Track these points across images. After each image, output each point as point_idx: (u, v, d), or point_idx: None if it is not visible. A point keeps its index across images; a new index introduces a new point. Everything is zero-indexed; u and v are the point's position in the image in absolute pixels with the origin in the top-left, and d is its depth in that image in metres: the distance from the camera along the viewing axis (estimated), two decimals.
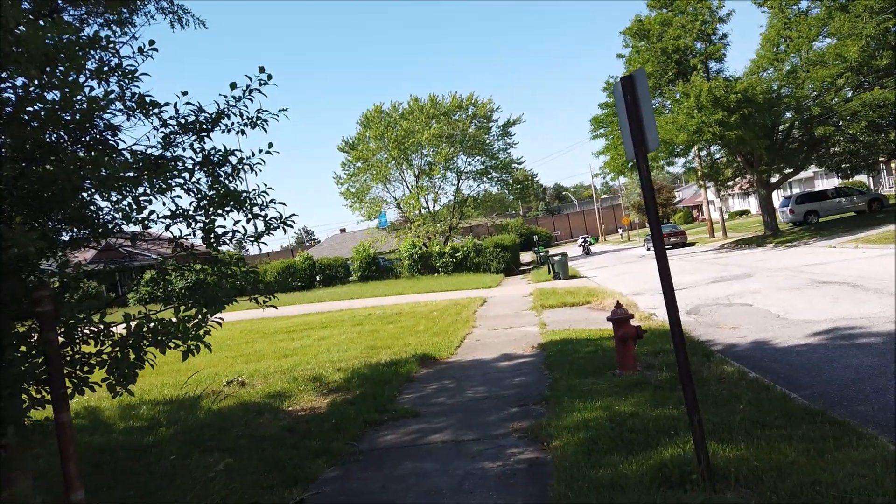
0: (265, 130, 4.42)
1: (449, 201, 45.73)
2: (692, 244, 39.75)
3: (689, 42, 27.91)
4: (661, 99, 30.00)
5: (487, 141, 44.24)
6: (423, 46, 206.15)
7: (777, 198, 37.03)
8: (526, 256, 53.55)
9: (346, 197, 44.81)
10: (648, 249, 42.39)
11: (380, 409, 7.30)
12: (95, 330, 3.68)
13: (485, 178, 45.31)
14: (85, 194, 3.73)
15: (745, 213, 66.69)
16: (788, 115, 28.60)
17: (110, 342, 3.66)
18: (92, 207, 3.89)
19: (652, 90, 28.58)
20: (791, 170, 31.41)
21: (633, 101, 4.08)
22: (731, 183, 37.63)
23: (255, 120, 4.36)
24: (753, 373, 7.05)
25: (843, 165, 33.26)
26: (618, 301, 8.29)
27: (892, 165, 40.36)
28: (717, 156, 33.85)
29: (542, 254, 41.22)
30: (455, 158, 43.75)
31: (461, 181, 45.02)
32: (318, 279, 39.11)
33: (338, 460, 5.77)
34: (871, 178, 45.46)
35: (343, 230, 73.76)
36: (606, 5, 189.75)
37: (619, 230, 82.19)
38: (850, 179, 42.31)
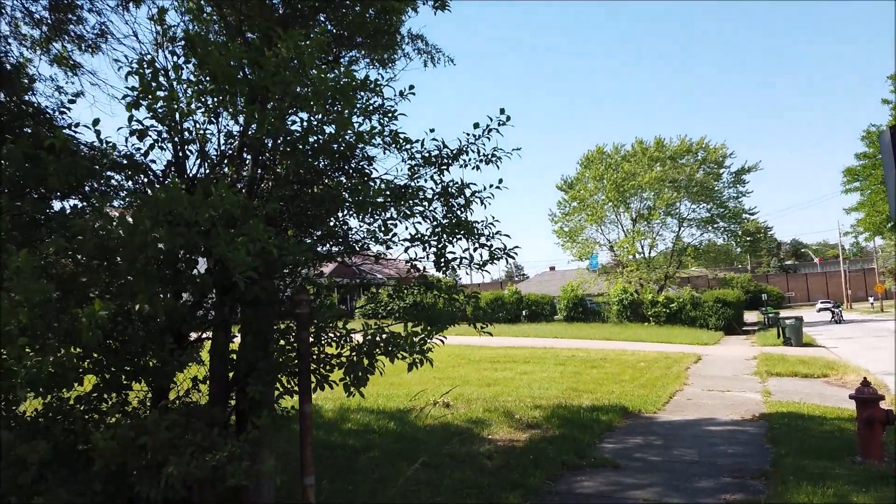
0: (498, 167, 4.69)
1: (667, 248, 43.53)
2: None
3: None
4: None
5: (716, 188, 41.48)
6: (654, 86, 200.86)
7: None
8: (751, 316, 48.77)
9: (559, 235, 44.91)
10: None
11: (578, 453, 7.15)
12: (338, 335, 4.18)
13: (710, 227, 42.42)
14: (340, 214, 4.29)
15: None
16: None
17: (349, 347, 4.12)
18: (345, 227, 4.46)
19: None
20: None
21: None
22: None
23: (490, 157, 4.66)
24: None
25: None
26: (865, 378, 7.22)
27: None
28: None
29: (770, 315, 37.27)
30: (678, 204, 41.64)
31: (682, 228, 42.66)
32: (524, 314, 39.54)
33: (533, 497, 5.76)
34: None
35: (552, 268, 73.84)
36: (863, 50, 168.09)
37: (871, 298, 71.16)
38: None
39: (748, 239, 45.19)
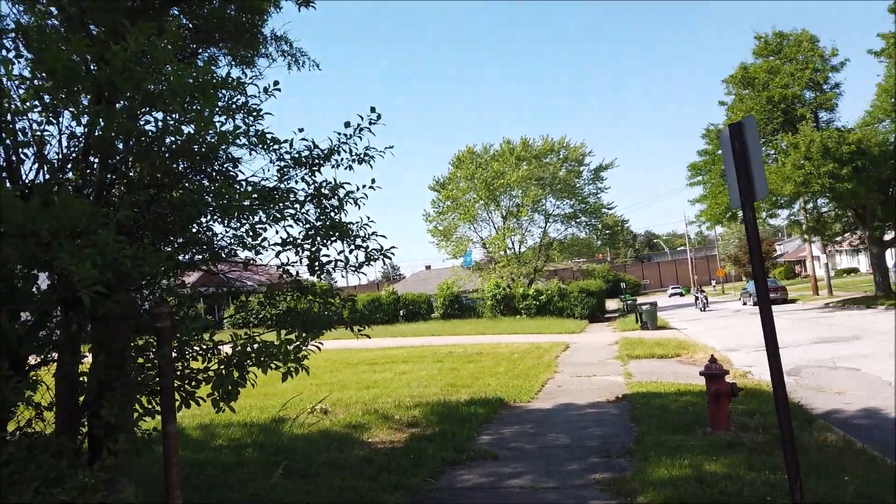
0: (371, 167, 4.64)
1: (535, 243, 45.54)
2: (793, 301, 37.48)
3: (797, 91, 26.84)
4: (766, 148, 28.87)
5: (577, 185, 43.97)
6: (517, 88, 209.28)
7: (891, 257, 34.43)
8: (612, 304, 52.20)
9: (434, 234, 45.58)
10: (745, 304, 40.34)
11: (458, 448, 7.27)
12: (205, 347, 3.94)
13: (573, 222, 44.90)
14: (204, 220, 4.04)
15: (853, 271, 62.36)
16: None
17: (217, 360, 3.89)
18: (209, 233, 4.21)
19: None
20: None
21: (742, 149, 3.99)
22: (839, 238, 35.42)
23: (362, 156, 4.60)
24: (861, 443, 6.54)
25: None
26: (712, 355, 7.94)
27: None
28: (825, 209, 32.01)
29: (629, 302, 40.09)
30: (543, 201, 43.69)
31: (548, 224, 44.82)
32: (401, 314, 39.67)
33: (415, 496, 5.78)
34: None
35: (428, 267, 74.75)
36: (705, 53, 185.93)
37: (713, 282, 78.75)
38: None
39: (607, 232, 48.29)
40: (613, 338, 22.78)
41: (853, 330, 18.58)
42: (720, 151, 26.31)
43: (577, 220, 44.80)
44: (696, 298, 40.09)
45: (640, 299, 42.64)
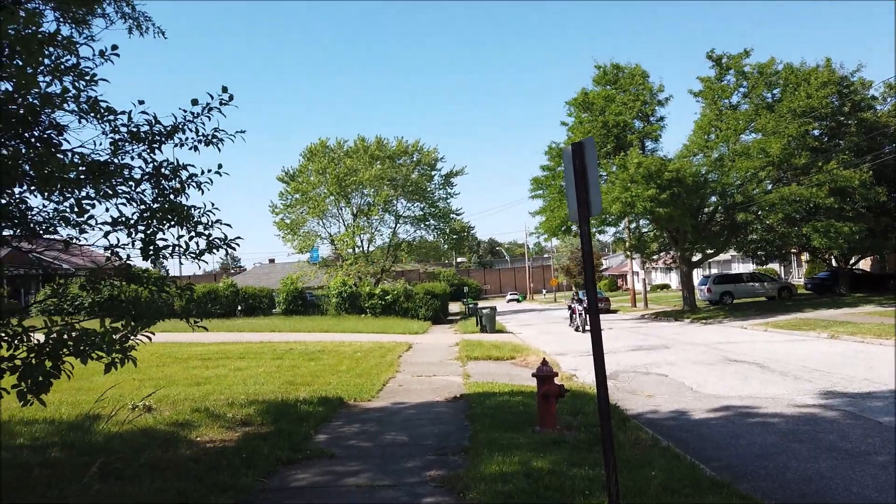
0: (219, 150, 4.36)
1: (384, 243, 45.76)
2: (615, 311, 41.01)
3: (629, 119, 29.46)
4: (599, 169, 31.37)
5: (429, 188, 44.84)
6: (376, 88, 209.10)
7: (697, 276, 38.89)
8: (455, 307, 53.81)
9: (280, 227, 44.16)
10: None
11: (294, 447, 7.07)
12: (10, 333, 3.45)
13: (422, 225, 45.72)
14: (17, 189, 3.56)
15: (665, 286, 69.56)
16: (714, 199, 30.38)
17: (26, 347, 3.43)
18: (23, 206, 3.71)
19: None
20: (712, 251, 33.16)
21: (581, 167, 4.28)
22: (655, 256, 39.35)
23: (210, 138, 4.30)
24: (666, 441, 7.27)
25: (758, 252, 35.46)
26: (544, 358, 8.44)
27: (802, 258, 43.24)
28: (645, 229, 35.39)
29: (471, 305, 41.55)
30: (395, 202, 44.04)
31: (398, 225, 45.27)
32: (240, 308, 37.91)
33: (245, 496, 5.53)
34: (782, 267, 48.51)
35: (272, 261, 72.24)
36: (553, 75, 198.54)
37: (543, 290, 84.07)
38: (764, 266, 45.03)
39: (455, 237, 49.77)
40: (455, 339, 23.47)
41: (663, 340, 20.70)
42: (560, 168, 28.33)
43: (427, 223, 45.70)
44: (572, 313, 28.10)
45: (480, 304, 44.39)
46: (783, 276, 47.32)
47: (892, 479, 5.81)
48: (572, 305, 28.51)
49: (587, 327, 21.41)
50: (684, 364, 14.51)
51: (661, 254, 38.88)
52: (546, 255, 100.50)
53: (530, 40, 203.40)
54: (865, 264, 38.74)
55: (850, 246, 29.47)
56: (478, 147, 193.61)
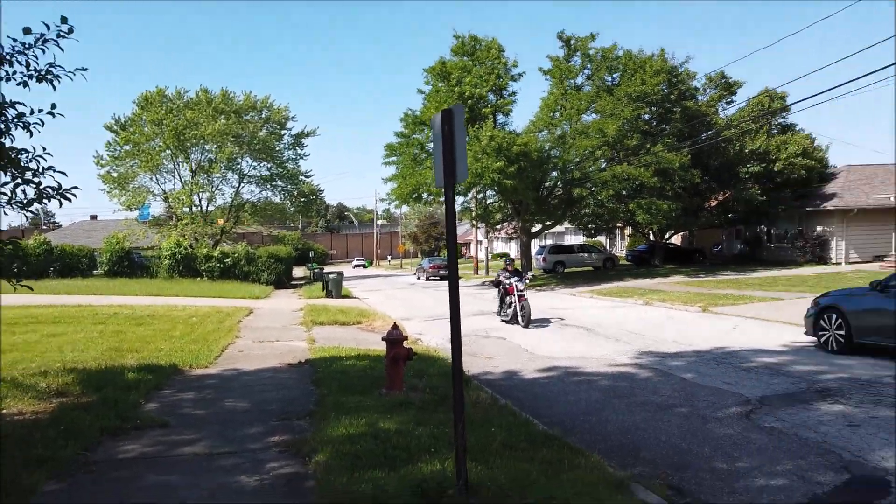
0: (54, 88, 3.78)
1: (225, 203, 43.32)
2: (459, 278, 42.37)
3: (484, 92, 30.14)
4: None
5: (277, 148, 42.95)
6: (228, 35, 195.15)
7: (534, 246, 41.25)
8: (299, 271, 52.59)
9: (106, 181, 40.08)
10: (419, 278, 44.31)
11: (122, 416, 6.54)
12: None
13: (268, 186, 43.81)
14: None
15: (505, 255, 73.03)
16: (555, 174, 32.19)
17: None
18: None
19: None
20: (550, 222, 35.26)
21: (449, 133, 4.28)
22: (499, 226, 41.08)
23: (44, 74, 3.72)
24: (504, 400, 7.66)
25: (589, 225, 38.31)
26: (395, 322, 8.50)
27: (625, 231, 47.42)
28: (491, 200, 36.76)
29: (316, 270, 40.83)
30: (239, 160, 41.71)
31: (242, 184, 43.02)
32: (53, 268, 34.06)
33: (65, 471, 5.02)
34: (608, 240, 52.90)
35: (94, 217, 65.64)
36: (410, 44, 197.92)
37: (389, 257, 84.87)
38: (593, 238, 48.82)
39: (303, 199, 48.28)
40: (299, 304, 22.97)
41: None
42: (415, 136, 28.24)
43: (273, 184, 43.85)
44: (505, 294, 16.29)
45: (327, 269, 43.76)
46: (608, 247, 51.63)
47: (693, 426, 6.59)
48: (506, 281, 16.03)
49: (521, 317, 15.08)
50: (519, 328, 15.36)
51: (504, 224, 40.68)
52: (395, 223, 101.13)
53: (386, 8, 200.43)
54: (677, 239, 43.35)
55: (668, 222, 32.83)
56: (330, 113, 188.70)
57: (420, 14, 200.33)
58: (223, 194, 43.23)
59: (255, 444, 5.80)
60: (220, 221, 41.25)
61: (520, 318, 15.30)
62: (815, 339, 10.87)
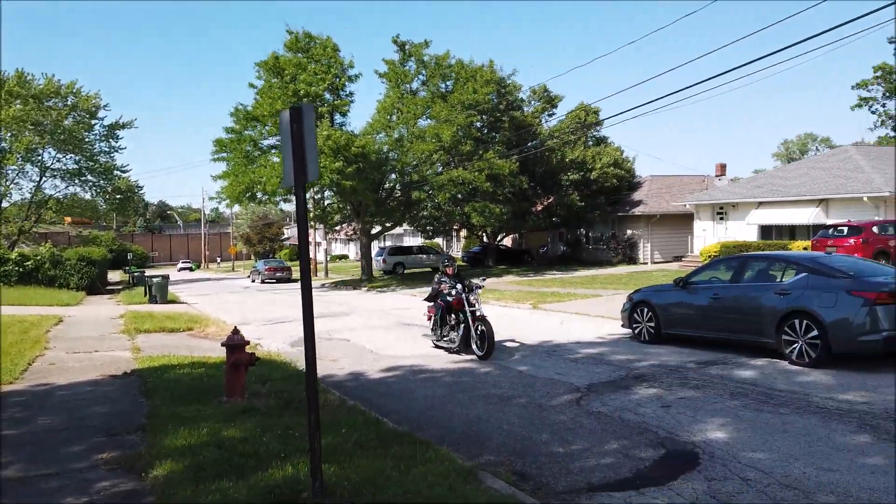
0: None
1: (23, 199, 38.41)
2: (296, 280, 41.34)
3: (320, 91, 29.68)
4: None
5: (87, 139, 38.89)
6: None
7: (374, 247, 41.42)
8: (115, 275, 48.10)
9: None
10: (254, 281, 42.52)
11: None
12: None
13: (77, 180, 39.54)
14: None
15: (344, 257, 72.51)
16: (394, 176, 32.58)
17: None
18: None
19: (276, 129, 29.34)
20: (390, 224, 35.63)
21: (299, 132, 4.20)
22: (338, 228, 40.68)
23: None
24: (352, 401, 7.65)
25: (428, 227, 39.27)
26: (235, 327, 8.10)
27: (461, 233, 49.22)
28: (329, 201, 36.31)
29: (135, 274, 37.56)
30: (41, 151, 37.19)
31: (44, 178, 38.40)
32: None
33: None
34: (445, 241, 54.55)
35: None
36: (242, 37, 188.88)
37: (218, 259, 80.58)
38: (431, 240, 50.07)
39: (118, 197, 44.08)
40: (118, 311, 21.03)
41: (344, 307, 21.61)
42: (248, 132, 27.02)
43: (83, 179, 39.66)
44: (447, 310, 11.32)
45: (148, 272, 40.44)
46: (445, 248, 53.29)
47: (532, 415, 7.06)
48: (449, 291, 11.36)
49: (479, 344, 10.47)
50: (364, 329, 15.39)
51: (343, 225, 40.37)
52: (225, 223, 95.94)
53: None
54: (508, 241, 45.88)
55: (500, 225, 34.65)
56: (154, 100, 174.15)
57: (252, 7, 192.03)
58: (21, 189, 38.35)
59: (81, 463, 5.26)
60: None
61: (475, 346, 10.60)
62: (630, 330, 12.08)
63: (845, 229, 21.30)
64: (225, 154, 30.47)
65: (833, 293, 8.65)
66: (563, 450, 5.83)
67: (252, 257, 73.21)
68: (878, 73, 52.96)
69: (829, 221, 24.36)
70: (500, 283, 27.07)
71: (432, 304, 11.92)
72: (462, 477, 4.83)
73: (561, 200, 35.05)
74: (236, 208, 52.62)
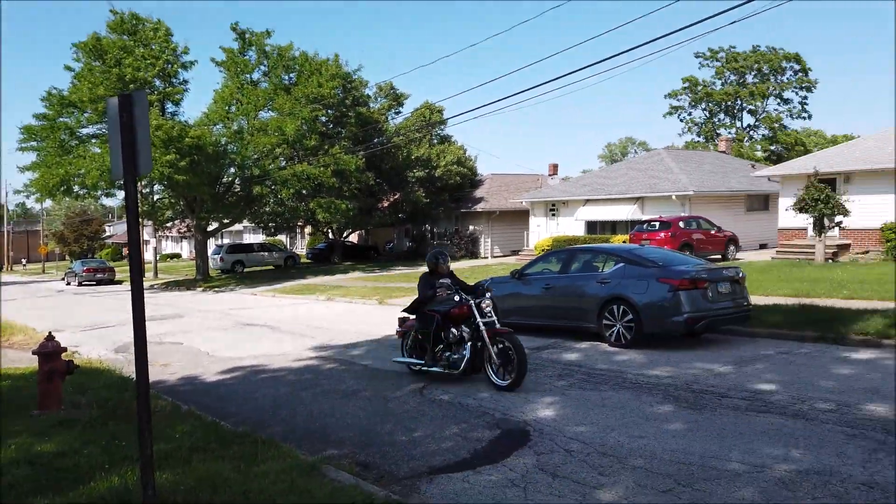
0: None
1: None
2: (120, 282, 38.06)
3: (149, 77, 27.53)
4: (105, 128, 28.40)
5: None
6: None
7: (211, 245, 39.24)
8: None
9: None
10: (69, 284, 38.57)
11: None
12: None
13: None
14: None
15: (177, 256, 67.87)
16: (233, 169, 31.07)
17: None
18: None
19: (98, 117, 26.76)
20: (229, 220, 33.93)
21: (130, 122, 3.92)
22: (169, 224, 38.01)
23: None
24: (187, 406, 7.26)
25: (270, 224, 37.96)
26: (50, 333, 7.32)
27: (306, 230, 48.14)
28: (159, 196, 33.83)
29: None
30: None
31: None
32: None
33: None
34: (288, 238, 53.03)
35: None
36: (60, 13, 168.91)
37: (24, 260, 72.10)
38: (274, 237, 48.44)
39: None
40: None
41: (177, 309, 20.30)
42: (62, 119, 24.52)
43: None
44: (435, 323, 8.19)
45: None
46: (289, 246, 51.83)
47: (376, 407, 7.16)
48: (443, 293, 8.47)
49: (506, 371, 7.49)
50: (199, 331, 14.60)
51: (176, 222, 37.81)
52: (34, 220, 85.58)
53: None
54: (354, 237, 45.63)
55: (346, 221, 34.38)
56: None
57: None
58: None
59: None
60: None
61: (492, 369, 7.67)
62: None
63: (657, 224, 23.80)
64: (35, 143, 27.24)
65: (645, 281, 9.67)
66: (406, 438, 5.99)
67: (67, 258, 66.22)
68: (686, 85, 59.81)
69: (645, 217, 27.03)
70: (346, 280, 26.92)
71: (412, 315, 8.71)
72: (305, 472, 4.80)
73: (407, 197, 35.55)
74: (48, 203, 47.22)
